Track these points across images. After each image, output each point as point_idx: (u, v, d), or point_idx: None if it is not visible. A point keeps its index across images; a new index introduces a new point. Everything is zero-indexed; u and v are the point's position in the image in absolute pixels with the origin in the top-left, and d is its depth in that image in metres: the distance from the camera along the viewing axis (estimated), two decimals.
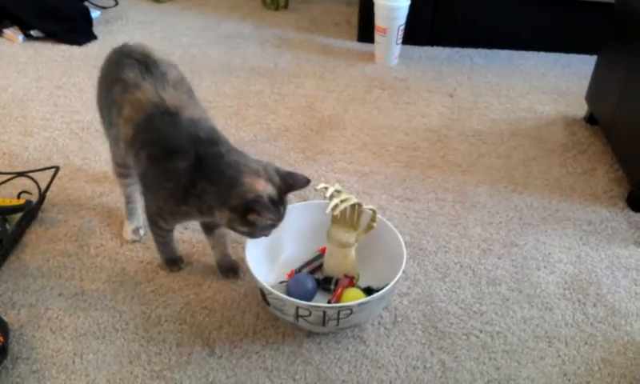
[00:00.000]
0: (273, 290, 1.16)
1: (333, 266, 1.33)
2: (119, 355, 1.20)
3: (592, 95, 1.99)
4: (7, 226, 1.44)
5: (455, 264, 1.45)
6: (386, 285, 1.20)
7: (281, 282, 1.34)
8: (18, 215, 1.46)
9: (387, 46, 2.33)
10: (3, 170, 1.64)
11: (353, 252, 1.31)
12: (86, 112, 1.96)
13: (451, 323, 1.30)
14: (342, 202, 1.24)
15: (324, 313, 1.16)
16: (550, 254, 1.49)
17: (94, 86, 1.36)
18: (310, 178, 1.20)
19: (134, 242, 1.46)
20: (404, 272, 1.26)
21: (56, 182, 1.58)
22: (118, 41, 1.35)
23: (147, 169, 1.21)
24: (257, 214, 1.12)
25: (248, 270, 1.22)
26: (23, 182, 1.58)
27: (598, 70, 1.96)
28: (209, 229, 1.34)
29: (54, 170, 1.58)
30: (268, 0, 2.86)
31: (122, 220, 1.50)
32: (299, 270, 1.37)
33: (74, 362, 1.18)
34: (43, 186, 1.55)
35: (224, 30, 2.63)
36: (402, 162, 1.80)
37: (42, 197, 1.54)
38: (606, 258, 1.49)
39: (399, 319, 1.30)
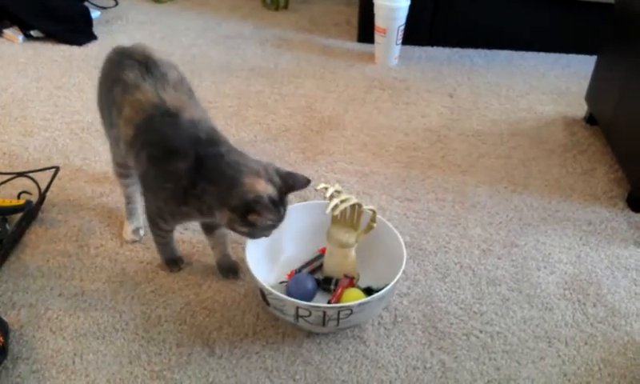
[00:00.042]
0: (273, 291, 1.16)
1: (333, 266, 1.33)
2: (119, 355, 1.20)
3: (592, 95, 1.99)
4: (7, 226, 1.45)
5: (455, 264, 1.45)
6: (386, 285, 1.20)
7: (281, 283, 1.34)
8: (18, 215, 1.46)
9: (387, 46, 2.33)
10: (3, 170, 1.65)
11: (353, 252, 1.31)
12: (86, 112, 1.96)
13: (451, 323, 1.30)
14: (342, 202, 1.24)
15: (324, 313, 1.16)
16: (549, 254, 1.49)
17: (94, 86, 1.36)
18: (310, 178, 1.20)
19: (134, 242, 1.46)
20: (404, 272, 1.26)
21: (56, 182, 1.58)
22: (118, 41, 1.36)
23: (147, 169, 1.21)
24: (257, 215, 1.12)
25: (248, 270, 1.22)
26: (23, 182, 1.58)
27: (597, 70, 1.96)
28: (209, 229, 1.34)
29: (54, 170, 1.58)
30: (268, 0, 2.86)
31: (122, 220, 1.50)
32: (299, 270, 1.37)
33: (74, 362, 1.18)
34: (43, 186, 1.55)
35: (224, 31, 2.63)
36: (402, 163, 1.81)
37: (42, 197, 1.54)
38: (606, 259, 1.49)
39: (399, 319, 1.30)
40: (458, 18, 2.47)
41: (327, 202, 1.24)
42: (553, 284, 1.41)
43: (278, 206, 1.15)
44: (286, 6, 2.88)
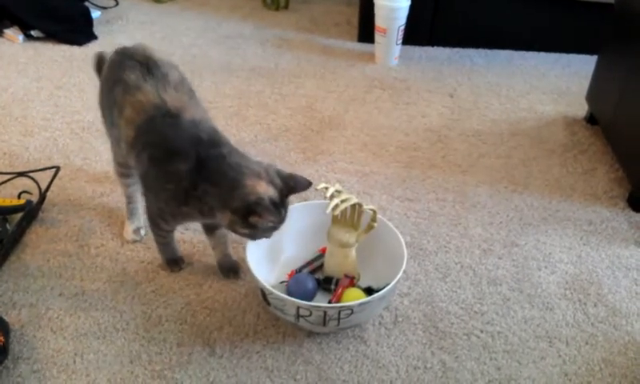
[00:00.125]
0: (273, 290, 1.16)
1: (333, 266, 1.33)
2: (120, 355, 1.20)
3: (592, 95, 1.99)
4: (8, 225, 1.45)
5: (456, 264, 1.45)
6: (387, 285, 1.20)
7: (281, 282, 1.34)
8: (19, 215, 1.46)
9: (387, 46, 2.33)
10: (4, 170, 1.65)
11: (353, 252, 1.31)
12: (87, 112, 1.96)
13: (452, 323, 1.30)
14: (342, 202, 1.24)
15: (325, 313, 1.16)
16: (550, 254, 1.49)
17: (94, 86, 1.37)
18: (311, 178, 1.20)
19: (134, 242, 1.46)
20: (404, 272, 1.26)
21: (56, 182, 1.58)
22: (118, 41, 1.36)
23: (148, 170, 1.21)
24: (258, 216, 1.12)
25: (249, 270, 1.22)
26: (24, 182, 1.58)
27: (598, 70, 1.96)
28: (210, 229, 1.34)
29: (54, 170, 1.58)
30: (268, 0, 2.86)
31: (123, 220, 1.50)
32: (300, 270, 1.37)
33: (74, 362, 1.18)
34: (44, 186, 1.55)
35: (224, 31, 2.63)
36: (403, 163, 1.81)
37: (43, 197, 1.54)
38: (607, 258, 1.49)
39: (400, 319, 1.30)
40: (459, 18, 2.47)
41: (327, 201, 1.24)
42: (553, 284, 1.41)
43: (279, 207, 1.15)
44: (286, 6, 2.88)
